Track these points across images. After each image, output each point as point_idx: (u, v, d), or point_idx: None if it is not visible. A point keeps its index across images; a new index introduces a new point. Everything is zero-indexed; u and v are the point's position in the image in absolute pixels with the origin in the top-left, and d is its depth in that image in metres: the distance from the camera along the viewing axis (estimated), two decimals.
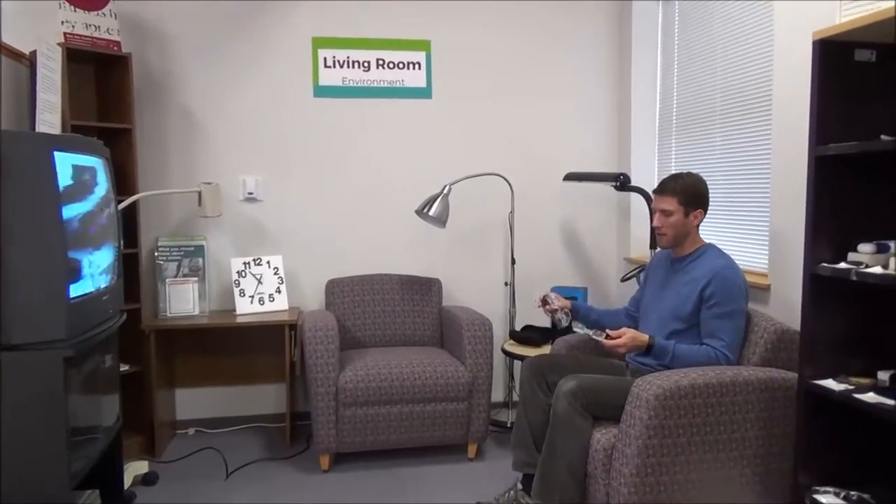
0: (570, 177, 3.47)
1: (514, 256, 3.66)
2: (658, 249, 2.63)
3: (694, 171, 2.52)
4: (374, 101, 3.50)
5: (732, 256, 2.46)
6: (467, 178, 3.46)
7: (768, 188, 2.63)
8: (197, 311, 3.28)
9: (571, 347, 2.72)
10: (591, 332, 2.33)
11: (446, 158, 3.61)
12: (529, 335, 3.41)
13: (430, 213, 3.34)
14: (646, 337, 2.33)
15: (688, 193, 2.40)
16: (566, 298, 2.71)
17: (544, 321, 3.33)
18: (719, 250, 2.44)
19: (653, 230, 2.73)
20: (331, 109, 3.47)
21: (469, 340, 3.12)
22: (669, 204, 2.40)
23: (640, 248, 3.64)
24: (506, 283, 3.75)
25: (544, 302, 2.55)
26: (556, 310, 2.50)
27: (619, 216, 3.85)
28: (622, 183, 3.24)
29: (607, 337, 2.31)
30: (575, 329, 2.43)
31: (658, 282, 2.52)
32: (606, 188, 3.66)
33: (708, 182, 2.48)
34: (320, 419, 2.93)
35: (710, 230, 3.00)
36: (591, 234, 3.86)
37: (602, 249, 3.87)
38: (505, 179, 3.54)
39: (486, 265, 3.76)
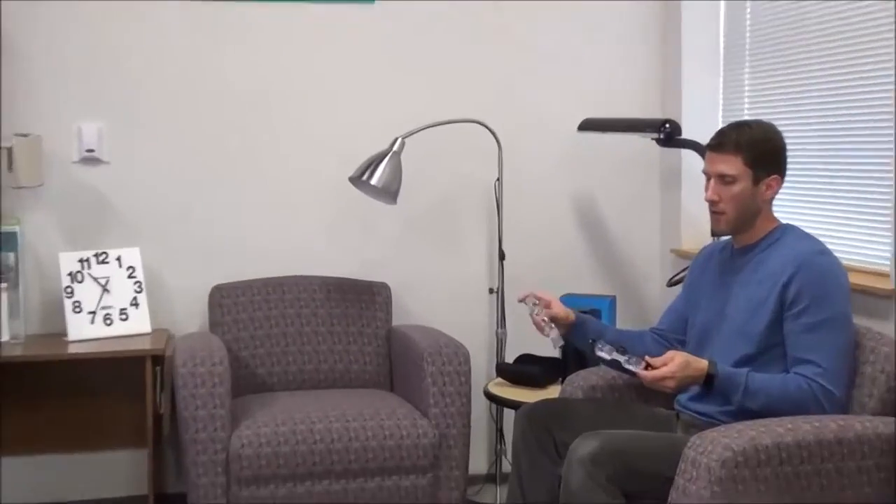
0: (588, 125, 3.56)
1: (504, 249, 3.67)
2: (711, 241, 2.76)
3: (767, 121, 2.58)
4: (282, 7, 3.52)
5: (832, 248, 2.51)
6: (430, 127, 3.47)
7: (891, 155, 2.70)
8: (6, 337, 3.31)
9: (592, 389, 2.73)
10: (622, 359, 2.33)
11: (397, 99, 3.67)
12: (527, 370, 3.43)
13: (373, 181, 3.38)
14: (703, 363, 2.33)
15: (758, 150, 2.44)
16: (582, 312, 2.73)
17: (548, 347, 3.20)
18: (802, 231, 2.51)
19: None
20: (214, 19, 3.51)
21: (434, 379, 3.18)
22: (730, 166, 2.44)
23: (698, 235, 3.65)
24: (491, 290, 3.78)
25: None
26: (541, 324, 2.53)
27: (663, 186, 3.91)
28: (668, 135, 3.30)
29: (647, 366, 2.31)
30: (598, 353, 2.40)
31: (711, 287, 2.57)
32: (644, 145, 3.65)
33: (797, 142, 2.61)
34: None
35: (795, 213, 3.13)
36: (620, 213, 3.92)
37: (638, 237, 3.95)
38: (489, 130, 3.56)
39: (460, 262, 3.82)
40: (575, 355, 3.25)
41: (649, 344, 2.67)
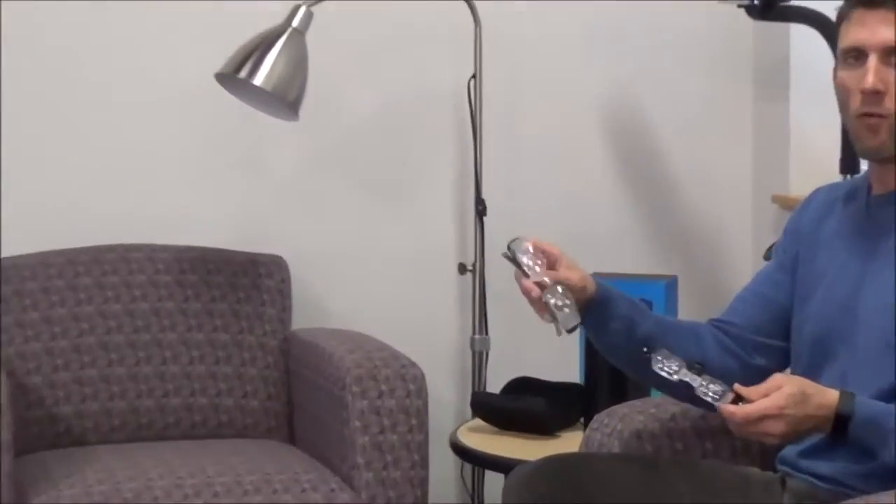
0: None
1: (484, 199, 3.69)
2: (825, 185, 2.74)
3: None
4: None
5: None
6: None
7: None
8: None
9: (636, 437, 2.70)
10: (695, 382, 2.35)
11: None
12: (525, 404, 3.43)
13: (256, 79, 3.36)
14: (831, 396, 2.30)
15: None
16: (638, 300, 2.68)
17: (560, 363, 3.45)
18: None
19: (859, 117, 2.54)
20: None
21: (365, 421, 3.19)
22: None
23: (817, 174, 3.50)
24: (463, 268, 3.78)
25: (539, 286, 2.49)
26: (535, 295, 2.49)
27: (759, 93, 3.99)
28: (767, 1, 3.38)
29: (736, 398, 2.29)
30: (657, 369, 2.37)
31: (833, 259, 2.57)
32: (727, 20, 3.80)
33: None
34: None
35: None
36: (686, 139, 4.02)
37: (716, 179, 4.05)
38: None
39: (410, 222, 3.90)
40: (611, 377, 3.18)
41: (709, 343, 2.64)
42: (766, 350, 2.63)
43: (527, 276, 2.50)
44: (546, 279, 2.46)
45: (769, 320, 2.65)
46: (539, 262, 2.52)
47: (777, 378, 2.30)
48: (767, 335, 2.64)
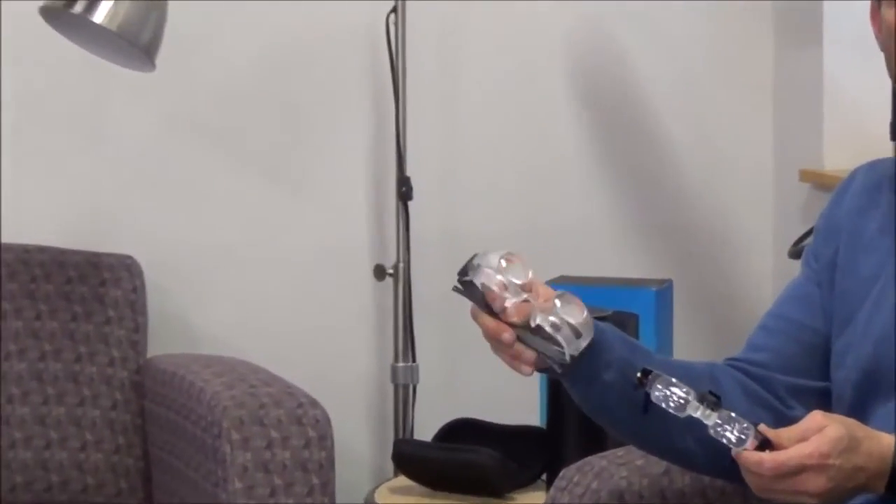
0: None
1: (409, 178, 3.47)
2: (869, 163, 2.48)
3: None
4: None
5: None
6: None
7: None
8: None
9: (619, 498, 2.45)
10: (709, 420, 2.02)
11: None
12: (467, 457, 3.25)
13: (96, 15, 3.06)
14: (886, 443, 2.01)
15: None
16: (637, 341, 2.43)
17: (511, 404, 3.33)
18: None
19: None
20: None
21: (247, 478, 2.94)
22: None
23: (862, 140, 3.48)
24: (384, 272, 3.54)
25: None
26: (544, 326, 2.13)
27: (780, 37, 3.86)
28: None
29: (763, 444, 1.98)
30: (656, 395, 2.05)
31: (885, 255, 2.24)
32: None
33: None
34: None
35: None
36: (681, 95, 3.82)
37: (721, 152, 3.86)
38: None
39: (307, 210, 3.66)
40: (582, 418, 2.67)
41: (733, 399, 2.25)
42: (805, 395, 2.29)
43: (492, 311, 2.09)
44: (524, 298, 2.10)
45: (804, 354, 2.32)
46: (516, 281, 2.12)
47: (817, 417, 1.98)
48: (804, 374, 2.31)
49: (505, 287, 2.10)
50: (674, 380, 2.09)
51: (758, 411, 2.24)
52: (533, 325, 2.08)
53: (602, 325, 2.27)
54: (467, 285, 2.10)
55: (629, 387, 2.14)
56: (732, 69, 3.83)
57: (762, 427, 1.99)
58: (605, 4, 3.76)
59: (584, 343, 2.14)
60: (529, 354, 2.07)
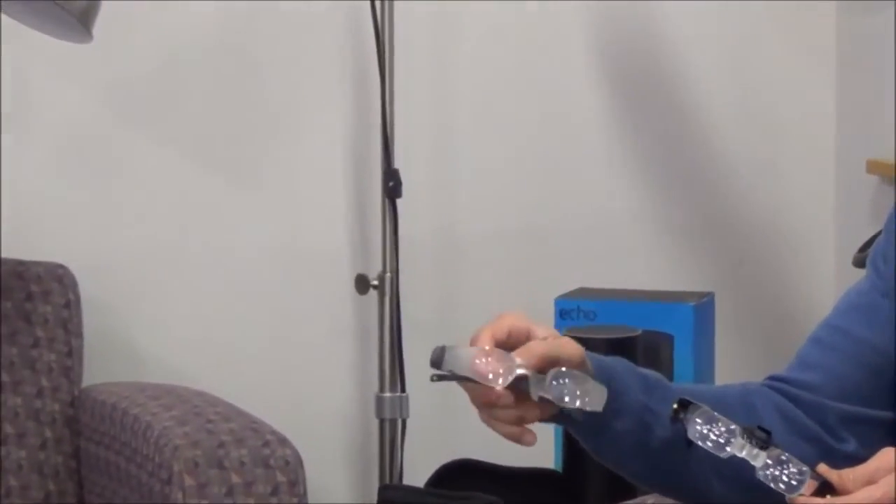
0: None
1: (398, 171, 3.24)
2: None
3: None
4: None
5: None
6: None
7: None
8: None
9: None
10: (758, 459, 1.80)
11: None
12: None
13: None
14: None
15: None
16: (653, 374, 2.14)
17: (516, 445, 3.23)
18: None
19: None
20: None
21: None
22: None
23: None
24: (367, 284, 3.33)
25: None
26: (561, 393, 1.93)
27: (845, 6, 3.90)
28: None
29: (823, 488, 1.79)
30: (696, 435, 1.84)
31: None
32: None
33: None
34: None
35: None
36: (726, 71, 3.64)
37: (773, 139, 3.65)
38: None
39: (277, 209, 3.41)
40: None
41: (769, 426, 1.96)
42: (862, 426, 2.02)
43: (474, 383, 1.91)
44: (517, 364, 1.81)
45: (864, 376, 2.03)
46: (503, 362, 1.84)
47: (889, 455, 1.75)
48: (863, 401, 2.03)
49: (490, 366, 1.82)
50: (716, 413, 1.84)
51: (799, 444, 1.96)
52: (535, 398, 1.82)
53: (609, 363, 1.94)
54: (443, 377, 1.83)
55: (646, 434, 1.90)
56: (789, 39, 3.67)
57: (822, 468, 1.74)
58: None
59: (602, 396, 1.83)
60: (534, 414, 1.75)
